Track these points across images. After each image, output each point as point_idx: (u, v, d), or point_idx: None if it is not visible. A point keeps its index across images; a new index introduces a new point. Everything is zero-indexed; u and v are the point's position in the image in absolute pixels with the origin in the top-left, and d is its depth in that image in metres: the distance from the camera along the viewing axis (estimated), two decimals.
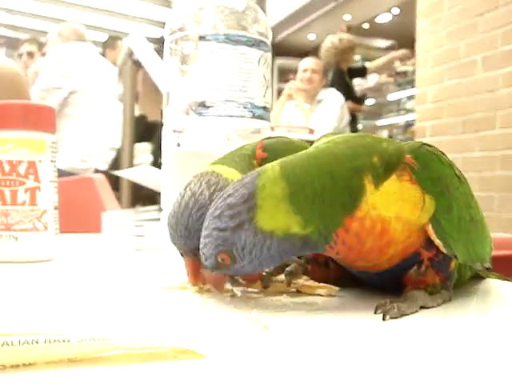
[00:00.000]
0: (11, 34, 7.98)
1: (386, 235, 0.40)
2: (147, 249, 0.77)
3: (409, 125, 6.01)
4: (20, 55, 4.17)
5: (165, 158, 0.67)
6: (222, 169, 0.48)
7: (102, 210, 1.62)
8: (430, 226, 0.41)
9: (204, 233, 0.42)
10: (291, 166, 0.41)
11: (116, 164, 3.12)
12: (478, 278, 0.55)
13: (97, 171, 3.13)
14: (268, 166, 0.42)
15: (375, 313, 0.39)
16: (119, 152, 3.12)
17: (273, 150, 0.52)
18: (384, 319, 0.38)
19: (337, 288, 0.46)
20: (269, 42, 0.68)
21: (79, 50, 3.32)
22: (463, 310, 0.43)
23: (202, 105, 0.63)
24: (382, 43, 8.03)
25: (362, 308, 0.42)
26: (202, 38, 0.64)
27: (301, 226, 0.39)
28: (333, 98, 4.55)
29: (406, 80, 6.59)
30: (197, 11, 0.66)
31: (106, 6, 7.73)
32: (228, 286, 0.48)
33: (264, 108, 0.67)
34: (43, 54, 3.83)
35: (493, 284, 0.54)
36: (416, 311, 0.41)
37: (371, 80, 7.21)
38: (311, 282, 0.47)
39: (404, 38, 6.36)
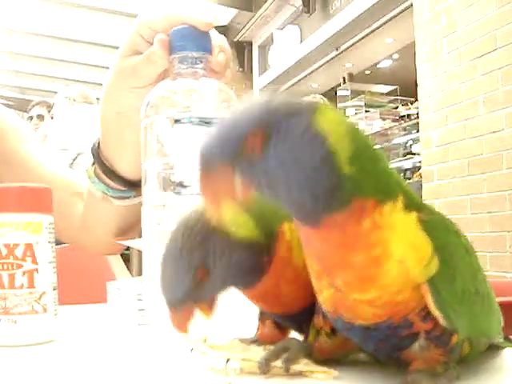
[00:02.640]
0: (19, 95, 8.14)
1: (377, 266, 0.38)
2: (149, 323, 0.76)
3: (416, 168, 6.01)
4: (30, 118, 4.24)
5: (145, 236, 0.68)
6: None
7: (111, 276, 1.61)
8: (429, 296, 0.38)
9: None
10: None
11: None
12: (494, 348, 0.51)
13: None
14: None
15: None
16: None
17: None
18: None
19: (336, 372, 0.45)
20: None
21: (86, 113, 3.38)
22: None
23: (180, 184, 0.65)
24: (385, 88, 8.12)
25: None
26: (177, 121, 0.66)
27: (348, 158, 0.36)
28: None
29: (410, 124, 6.63)
30: (171, 95, 0.68)
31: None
32: (223, 366, 0.47)
33: None
34: (51, 117, 3.90)
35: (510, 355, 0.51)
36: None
37: (376, 125, 7.27)
38: (311, 367, 0.46)
39: (405, 81, 6.43)
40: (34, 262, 0.62)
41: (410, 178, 6.26)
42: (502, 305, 0.58)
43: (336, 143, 0.35)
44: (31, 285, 0.62)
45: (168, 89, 0.70)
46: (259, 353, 0.47)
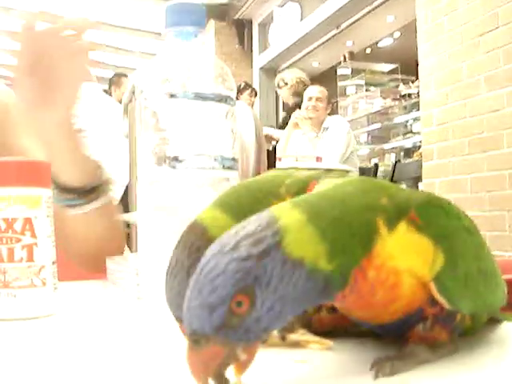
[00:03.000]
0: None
1: (396, 290, 0.38)
2: (146, 297, 0.76)
3: (416, 147, 6.01)
4: None
5: (140, 210, 0.69)
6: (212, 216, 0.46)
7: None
8: (433, 284, 0.39)
9: (211, 274, 0.34)
10: (302, 198, 0.38)
11: (124, 200, 3.13)
12: (494, 320, 0.52)
13: None
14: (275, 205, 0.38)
15: (370, 370, 0.38)
16: (127, 189, 3.14)
17: None
18: (376, 378, 0.37)
19: (331, 343, 0.45)
20: (234, 95, 0.70)
21: (84, 90, 3.36)
22: (470, 361, 0.42)
23: (175, 159, 0.65)
24: (385, 67, 8.08)
25: (357, 365, 0.40)
26: (172, 95, 0.66)
27: (327, 257, 0.35)
28: (338, 124, 4.57)
29: (411, 103, 6.61)
30: (167, 71, 0.68)
31: (110, 42, 7.82)
32: None
33: (233, 159, 0.69)
34: None
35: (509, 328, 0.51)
36: (414, 367, 0.39)
37: (376, 104, 7.25)
38: (307, 336, 0.46)
39: (406, 60, 6.40)
40: (33, 236, 0.62)
41: (410, 157, 6.27)
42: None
43: (311, 258, 0.35)
44: (30, 259, 0.62)
45: (163, 64, 0.70)
46: None
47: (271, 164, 3.50)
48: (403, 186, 6.08)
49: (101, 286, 0.93)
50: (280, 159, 3.94)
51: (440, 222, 0.40)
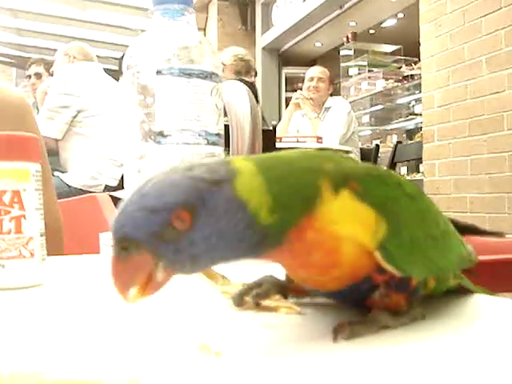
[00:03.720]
0: (21, 53, 8.09)
1: (335, 255, 0.39)
2: None
3: (418, 128, 6.00)
4: (28, 77, 4.23)
5: (127, 183, 0.71)
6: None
7: (107, 229, 1.63)
8: (378, 253, 0.39)
9: (159, 184, 0.34)
10: (258, 157, 0.38)
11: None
12: (468, 292, 0.53)
13: (107, 188, 3.17)
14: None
15: (332, 333, 0.39)
16: None
17: None
18: (335, 340, 0.38)
19: (298, 309, 0.47)
20: (220, 72, 0.71)
21: (86, 70, 3.37)
22: (430, 329, 0.42)
23: (160, 134, 0.67)
24: (388, 48, 8.04)
25: (321, 329, 0.42)
26: (158, 72, 0.68)
27: (269, 209, 0.35)
28: (340, 105, 4.57)
29: (413, 84, 6.59)
30: (153, 47, 0.70)
31: (115, 22, 7.81)
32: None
33: (217, 135, 0.71)
34: (51, 74, 3.89)
35: (477, 300, 0.52)
36: (374, 332, 0.40)
37: (379, 85, 7.22)
38: (279, 302, 0.48)
39: (409, 41, 6.37)
40: (22, 208, 0.64)
41: (412, 139, 6.26)
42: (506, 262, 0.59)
43: (255, 204, 0.35)
44: (18, 230, 0.64)
45: (150, 41, 0.71)
46: (238, 287, 0.49)
47: (271, 144, 3.51)
48: (404, 167, 6.09)
49: (93, 261, 0.95)
50: (280, 139, 3.96)
51: (379, 190, 0.40)
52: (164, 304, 0.50)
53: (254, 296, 0.48)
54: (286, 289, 0.49)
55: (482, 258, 0.54)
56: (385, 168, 0.44)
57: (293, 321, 0.45)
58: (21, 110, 1.21)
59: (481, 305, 0.51)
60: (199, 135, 0.68)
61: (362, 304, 0.43)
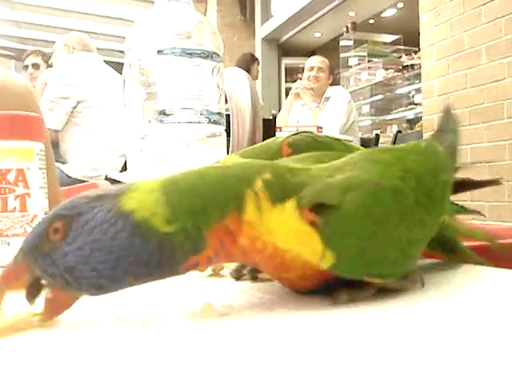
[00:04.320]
0: (19, 46, 8.07)
1: (282, 262, 0.38)
2: None
3: (419, 118, 6.00)
4: (25, 67, 4.23)
5: (130, 163, 0.71)
6: (231, 160, 0.49)
7: None
8: (329, 270, 0.38)
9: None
10: (169, 176, 0.38)
11: (126, 170, 3.16)
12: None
13: (107, 178, 3.17)
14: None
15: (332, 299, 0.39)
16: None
17: (298, 146, 0.54)
18: (334, 303, 0.39)
19: None
20: (221, 53, 0.72)
21: (86, 60, 3.37)
22: (425, 294, 0.43)
23: (163, 113, 0.68)
24: (388, 38, 8.03)
25: (318, 299, 0.41)
26: (159, 51, 0.69)
27: (164, 220, 0.35)
28: (339, 95, 4.56)
29: (413, 74, 6.59)
30: (155, 27, 0.71)
31: (114, 14, 7.79)
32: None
33: (219, 114, 0.72)
34: (50, 65, 3.89)
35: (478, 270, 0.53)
36: (372, 295, 0.41)
37: (379, 75, 7.22)
38: None
39: (409, 31, 6.35)
40: (26, 186, 0.65)
41: (412, 129, 6.26)
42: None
43: (143, 214, 0.35)
44: (23, 208, 0.64)
45: (151, 21, 0.72)
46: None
47: (271, 134, 3.52)
48: None
49: None
50: (280, 129, 3.96)
51: (333, 226, 0.37)
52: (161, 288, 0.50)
53: (250, 270, 0.49)
54: None
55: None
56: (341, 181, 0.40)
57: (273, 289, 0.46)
58: (25, 96, 1.22)
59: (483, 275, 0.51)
60: (201, 114, 0.69)
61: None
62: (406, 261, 0.42)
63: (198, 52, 0.69)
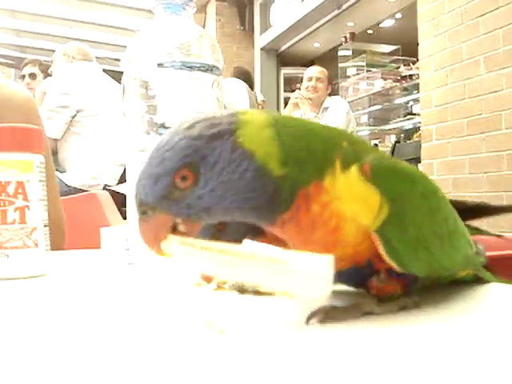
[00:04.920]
0: (19, 54, 8.09)
1: (337, 234, 0.39)
2: (137, 263, 0.79)
3: (417, 128, 6.01)
4: (22, 77, 4.23)
5: (129, 177, 0.71)
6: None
7: (107, 225, 1.64)
8: (380, 246, 0.39)
9: (162, 149, 0.36)
10: (272, 112, 0.39)
11: (125, 179, 3.16)
12: (480, 280, 0.53)
13: (106, 187, 3.17)
14: None
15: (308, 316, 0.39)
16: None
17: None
18: (307, 322, 0.38)
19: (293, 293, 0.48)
20: (221, 66, 0.72)
21: (85, 69, 3.38)
22: (423, 316, 0.42)
23: (162, 126, 0.68)
24: (387, 48, 8.05)
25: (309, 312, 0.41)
26: (160, 65, 0.69)
27: (280, 161, 0.36)
28: (338, 105, 4.58)
29: (412, 84, 6.60)
30: (155, 40, 0.71)
31: (114, 23, 7.80)
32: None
33: None
34: (48, 75, 3.90)
35: (488, 289, 0.52)
36: (356, 317, 0.40)
37: (377, 85, 7.23)
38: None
39: (408, 41, 6.37)
40: (25, 199, 0.65)
41: (410, 139, 6.27)
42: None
43: (263, 154, 0.36)
44: (23, 221, 0.65)
45: (151, 34, 0.72)
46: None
47: None
48: None
49: (94, 254, 0.96)
50: None
51: (388, 182, 0.40)
52: (163, 296, 0.50)
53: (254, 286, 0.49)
54: None
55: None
56: (406, 163, 0.43)
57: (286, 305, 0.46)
58: (26, 107, 1.22)
59: (491, 294, 0.51)
60: None
61: (362, 286, 0.44)
62: (436, 259, 0.44)
63: (199, 65, 0.70)
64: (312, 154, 0.38)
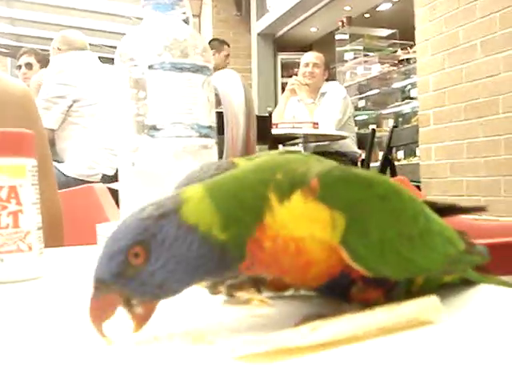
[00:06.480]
0: (15, 43, 8.06)
1: (303, 255, 0.40)
2: None
3: (414, 112, 6.00)
4: (19, 67, 4.22)
5: (121, 177, 0.72)
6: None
7: (104, 219, 1.65)
8: (343, 250, 0.40)
9: (116, 230, 0.38)
10: (210, 181, 0.42)
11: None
12: (470, 282, 0.52)
13: (104, 177, 3.18)
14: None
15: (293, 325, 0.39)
16: None
17: None
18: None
19: (271, 302, 0.48)
20: (211, 66, 0.72)
21: (80, 59, 3.37)
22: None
23: (153, 128, 0.69)
24: (384, 32, 8.02)
25: (289, 322, 0.41)
26: (150, 66, 0.69)
27: (220, 228, 0.38)
28: (335, 90, 4.58)
29: (409, 68, 6.59)
30: (144, 42, 0.71)
31: (110, 10, 7.77)
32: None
33: (209, 127, 0.73)
34: (43, 65, 3.89)
35: (479, 291, 0.51)
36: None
37: (375, 69, 7.22)
38: (252, 295, 0.49)
39: (405, 25, 6.35)
40: (18, 203, 0.65)
41: (408, 123, 6.27)
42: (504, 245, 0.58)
43: (205, 225, 0.38)
44: (16, 225, 0.65)
45: (141, 35, 0.72)
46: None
47: (267, 130, 3.52)
48: (401, 151, 6.10)
49: (90, 252, 0.96)
50: (276, 125, 3.97)
51: (341, 191, 0.40)
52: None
53: (228, 286, 0.49)
54: (262, 282, 0.50)
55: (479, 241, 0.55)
56: (356, 168, 0.44)
57: (266, 313, 0.46)
58: (24, 101, 1.22)
59: (478, 296, 0.50)
60: (191, 128, 0.70)
61: (344, 297, 0.44)
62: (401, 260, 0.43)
63: (188, 66, 0.70)
64: (246, 206, 0.39)
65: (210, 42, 5.51)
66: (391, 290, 0.44)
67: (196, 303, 0.50)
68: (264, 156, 0.46)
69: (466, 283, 0.52)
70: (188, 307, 0.49)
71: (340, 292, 0.44)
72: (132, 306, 0.39)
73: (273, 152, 0.47)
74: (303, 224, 0.40)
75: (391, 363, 0.33)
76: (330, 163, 0.43)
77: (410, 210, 0.45)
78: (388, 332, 0.37)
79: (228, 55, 5.51)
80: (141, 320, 0.39)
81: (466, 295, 0.50)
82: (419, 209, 0.46)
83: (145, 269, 0.38)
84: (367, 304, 0.42)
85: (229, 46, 5.61)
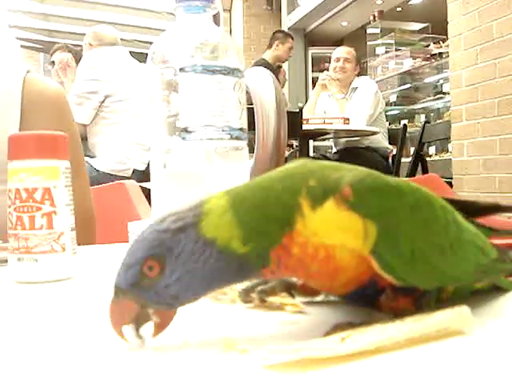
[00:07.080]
0: (48, 38, 8.15)
1: (331, 262, 0.40)
2: None
3: (447, 108, 5.93)
4: (52, 63, 4.27)
5: (153, 178, 0.73)
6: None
7: (135, 216, 1.66)
8: (373, 260, 0.40)
9: (136, 240, 0.39)
10: (234, 188, 0.41)
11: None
12: (501, 289, 0.51)
13: (135, 172, 3.21)
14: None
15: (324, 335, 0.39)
16: None
17: None
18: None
19: (303, 306, 0.48)
20: (242, 68, 0.73)
21: (111, 54, 3.40)
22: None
23: (185, 130, 0.69)
24: (416, 26, 7.93)
25: (322, 328, 0.41)
26: (181, 69, 0.69)
27: (241, 241, 0.38)
28: (367, 85, 4.55)
29: (441, 62, 6.51)
30: (176, 44, 0.72)
31: (141, 5, 7.82)
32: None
33: (240, 129, 0.73)
34: (79, 60, 3.93)
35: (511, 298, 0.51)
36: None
37: (406, 64, 7.15)
38: (284, 300, 0.49)
39: (437, 19, 6.28)
40: (52, 204, 0.66)
41: (440, 118, 6.20)
42: None
43: (224, 239, 0.38)
44: (50, 226, 0.66)
45: (172, 38, 0.73)
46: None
47: (298, 125, 3.51)
48: (432, 147, 6.04)
49: (122, 249, 0.97)
50: (307, 121, 3.96)
51: (373, 200, 0.40)
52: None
53: (259, 292, 0.49)
54: (293, 287, 0.50)
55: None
56: (389, 177, 0.43)
57: (297, 319, 0.46)
58: (58, 102, 1.24)
59: (510, 304, 0.50)
60: (223, 130, 0.70)
61: (373, 305, 0.44)
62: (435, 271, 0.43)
63: (220, 69, 0.70)
64: (272, 218, 0.39)
65: (274, 33, 5.55)
66: (421, 298, 0.44)
67: (226, 308, 0.51)
68: (292, 164, 0.45)
69: (498, 290, 0.52)
70: (218, 312, 0.50)
71: (369, 300, 0.44)
72: (148, 314, 0.40)
73: (300, 160, 0.46)
74: (335, 232, 0.40)
75: (420, 375, 0.32)
76: (361, 170, 0.43)
77: (441, 219, 0.44)
78: (417, 343, 0.37)
79: (291, 48, 5.49)
80: (159, 326, 0.40)
81: (497, 303, 0.50)
82: (451, 218, 0.46)
83: (159, 281, 0.38)
84: (396, 312, 0.42)
85: (293, 38, 5.58)
